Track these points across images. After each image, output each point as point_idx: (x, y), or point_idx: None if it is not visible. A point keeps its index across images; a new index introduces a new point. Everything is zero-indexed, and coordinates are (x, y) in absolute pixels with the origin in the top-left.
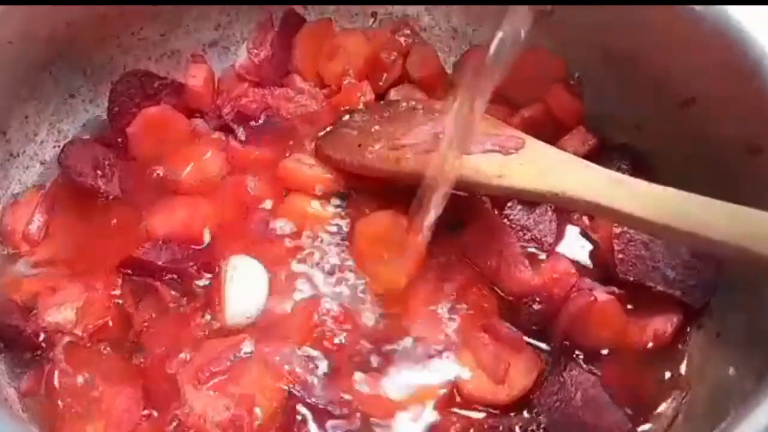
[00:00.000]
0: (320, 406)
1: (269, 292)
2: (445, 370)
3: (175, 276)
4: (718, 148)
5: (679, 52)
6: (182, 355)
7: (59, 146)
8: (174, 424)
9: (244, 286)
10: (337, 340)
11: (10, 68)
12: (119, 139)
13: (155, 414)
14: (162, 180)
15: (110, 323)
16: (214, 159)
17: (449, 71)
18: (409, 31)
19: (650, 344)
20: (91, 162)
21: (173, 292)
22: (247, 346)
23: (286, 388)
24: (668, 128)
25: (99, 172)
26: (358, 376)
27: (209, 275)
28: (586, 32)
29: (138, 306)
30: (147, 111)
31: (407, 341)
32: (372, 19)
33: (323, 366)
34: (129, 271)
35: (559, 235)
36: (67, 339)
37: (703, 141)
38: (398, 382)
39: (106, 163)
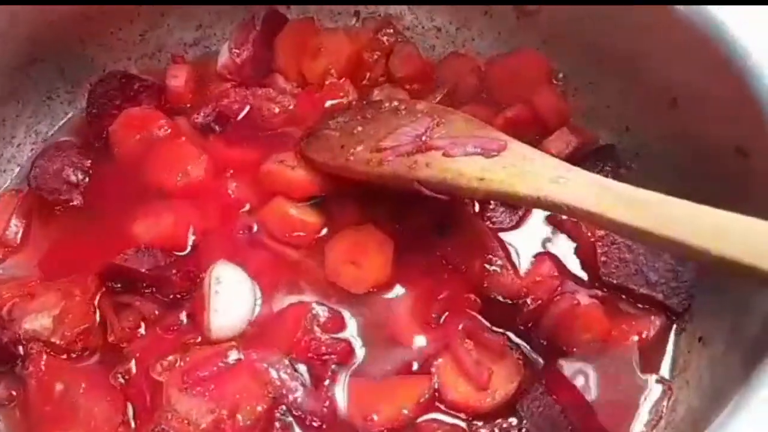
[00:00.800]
0: (303, 414)
1: (254, 302)
2: (427, 376)
3: (154, 289)
4: (708, 150)
5: (666, 53)
6: (168, 359)
7: (37, 149)
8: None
9: (228, 301)
10: (322, 348)
11: None
12: (97, 144)
13: (135, 423)
14: (144, 183)
15: (89, 331)
16: (197, 161)
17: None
18: (392, 30)
19: (633, 347)
20: (63, 175)
21: (154, 309)
22: (234, 354)
23: (270, 395)
24: (657, 129)
25: (72, 182)
26: (340, 383)
27: (191, 284)
28: (574, 33)
29: (118, 316)
30: (129, 111)
31: (390, 348)
32: (355, 18)
33: (307, 374)
34: (110, 283)
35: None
36: (43, 347)
37: (692, 142)
38: (380, 388)
39: (79, 173)
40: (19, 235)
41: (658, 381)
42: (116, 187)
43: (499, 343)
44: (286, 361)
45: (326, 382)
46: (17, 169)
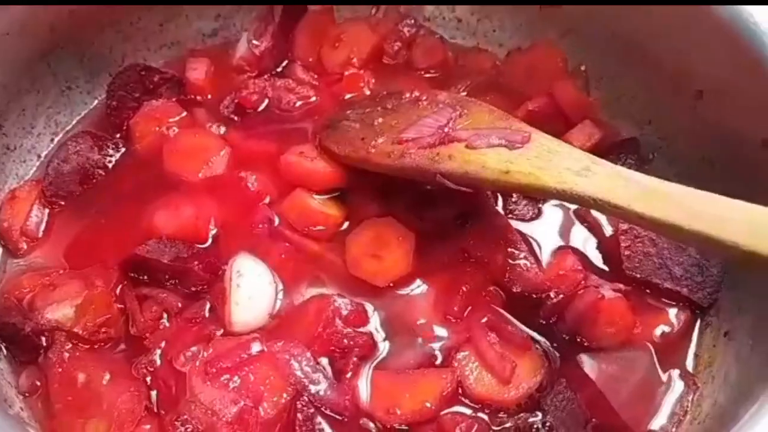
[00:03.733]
0: (325, 406)
1: (275, 296)
2: (450, 369)
3: (177, 281)
4: (733, 143)
5: (693, 47)
6: (192, 350)
7: (56, 139)
8: (179, 421)
9: (249, 295)
10: (344, 341)
11: (9, 60)
12: (116, 136)
13: (159, 414)
14: (164, 175)
15: (111, 321)
16: (218, 154)
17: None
18: (413, 21)
19: (657, 342)
20: (80, 169)
21: (177, 301)
22: (257, 346)
23: (292, 386)
24: (681, 122)
25: (90, 176)
26: (363, 376)
27: (212, 276)
28: (597, 25)
29: (141, 307)
30: (149, 104)
31: (413, 341)
32: (374, 9)
33: (329, 366)
34: (132, 274)
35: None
36: (66, 337)
37: (718, 135)
38: (403, 381)
39: (97, 167)
40: (42, 227)
41: (682, 376)
42: (136, 179)
43: (522, 336)
44: (308, 354)
45: (348, 375)
46: (37, 159)
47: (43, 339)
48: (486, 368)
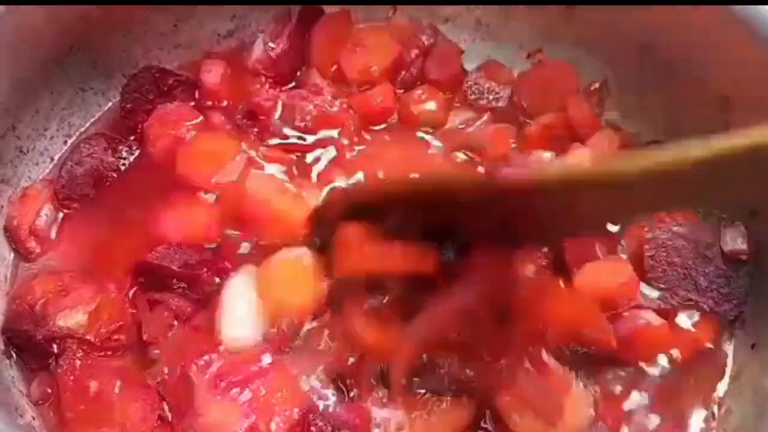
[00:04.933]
0: (334, 424)
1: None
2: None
3: (186, 286)
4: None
5: (719, 52)
6: (204, 359)
7: (69, 141)
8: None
9: (242, 317)
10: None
11: (22, 61)
12: (130, 138)
13: (172, 422)
14: (176, 179)
15: (124, 328)
16: (233, 159)
17: (468, 66)
18: (430, 32)
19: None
20: (93, 173)
21: (187, 307)
22: (267, 358)
23: (303, 402)
24: (704, 129)
25: (102, 179)
26: (376, 398)
27: (221, 281)
28: (617, 30)
29: (153, 312)
30: (164, 107)
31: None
32: (392, 11)
33: (341, 383)
34: (141, 279)
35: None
36: (78, 344)
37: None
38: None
39: (110, 170)
40: (53, 228)
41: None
42: (149, 183)
43: (565, 373)
44: (320, 368)
45: (353, 393)
46: (50, 162)
47: (55, 346)
48: (528, 407)
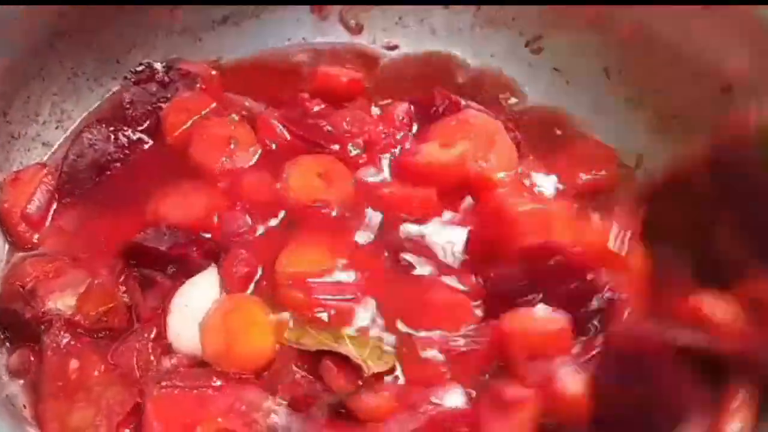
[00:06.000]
0: None
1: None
2: None
3: (176, 267)
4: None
5: (719, 39)
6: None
7: (62, 127)
8: None
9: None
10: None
11: (15, 44)
12: (140, 127)
13: None
14: (185, 165)
15: (113, 311)
16: (246, 148)
17: None
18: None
19: None
20: (95, 167)
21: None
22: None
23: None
24: (707, 116)
25: (105, 165)
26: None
27: (211, 261)
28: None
29: (144, 295)
30: (181, 95)
31: None
32: None
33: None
34: (133, 262)
35: None
36: (65, 325)
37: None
38: None
39: (113, 157)
40: (48, 214)
41: None
42: (152, 172)
43: None
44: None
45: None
46: (42, 147)
47: (42, 327)
48: None
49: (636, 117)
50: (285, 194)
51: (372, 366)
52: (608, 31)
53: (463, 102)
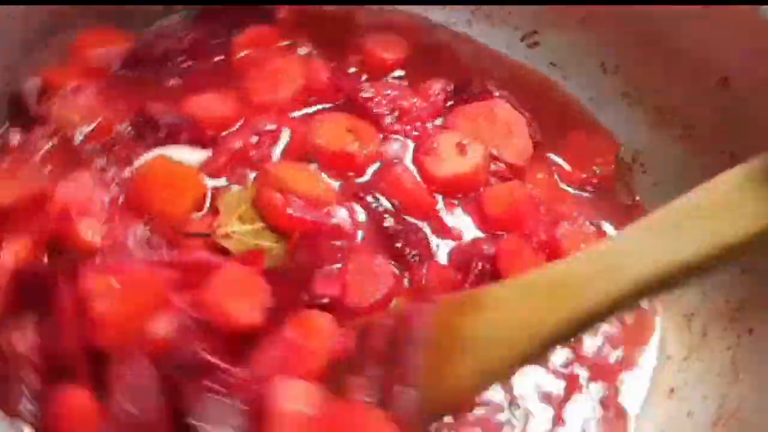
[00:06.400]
0: None
1: None
2: None
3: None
4: (759, 131)
5: (715, 32)
6: None
7: None
8: None
9: None
10: None
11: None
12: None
13: None
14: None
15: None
16: (293, 82)
17: None
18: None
19: None
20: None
21: None
22: None
23: None
24: (704, 110)
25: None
26: None
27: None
28: (617, 11)
29: None
30: (255, 28)
31: None
32: None
33: None
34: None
35: None
36: None
37: (742, 124)
38: None
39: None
40: None
41: None
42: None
43: None
44: None
45: None
46: None
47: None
48: None
49: (633, 112)
50: (312, 140)
51: None
52: (605, 27)
53: (497, 93)
